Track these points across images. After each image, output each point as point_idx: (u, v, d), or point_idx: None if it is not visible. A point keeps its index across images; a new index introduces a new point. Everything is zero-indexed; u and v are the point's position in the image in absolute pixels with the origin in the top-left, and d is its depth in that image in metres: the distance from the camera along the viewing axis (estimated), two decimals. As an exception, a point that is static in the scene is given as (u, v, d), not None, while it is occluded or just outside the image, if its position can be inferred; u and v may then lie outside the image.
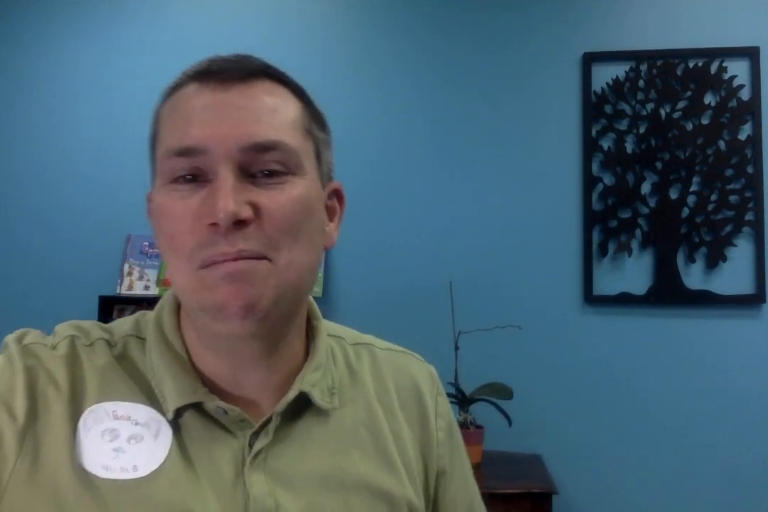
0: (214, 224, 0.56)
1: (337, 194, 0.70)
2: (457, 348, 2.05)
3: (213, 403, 0.62)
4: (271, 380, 0.65)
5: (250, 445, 0.62)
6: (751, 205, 2.24)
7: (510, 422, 1.96)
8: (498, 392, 1.98)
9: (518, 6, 2.39)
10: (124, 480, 0.58)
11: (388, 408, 0.71)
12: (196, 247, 0.58)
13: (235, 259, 0.57)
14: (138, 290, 2.33)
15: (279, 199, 0.59)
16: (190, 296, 0.60)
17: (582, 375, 2.26)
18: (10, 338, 0.64)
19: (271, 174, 0.59)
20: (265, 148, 0.58)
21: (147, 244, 2.38)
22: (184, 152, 0.58)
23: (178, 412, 0.61)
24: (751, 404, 2.20)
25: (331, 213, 0.68)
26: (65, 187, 2.47)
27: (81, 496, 0.57)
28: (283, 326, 0.64)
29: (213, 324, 0.60)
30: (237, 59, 0.62)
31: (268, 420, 0.63)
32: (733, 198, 2.25)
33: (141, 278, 2.35)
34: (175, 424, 0.61)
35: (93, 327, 0.67)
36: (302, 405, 0.65)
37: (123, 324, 0.68)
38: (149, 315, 0.68)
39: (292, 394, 0.64)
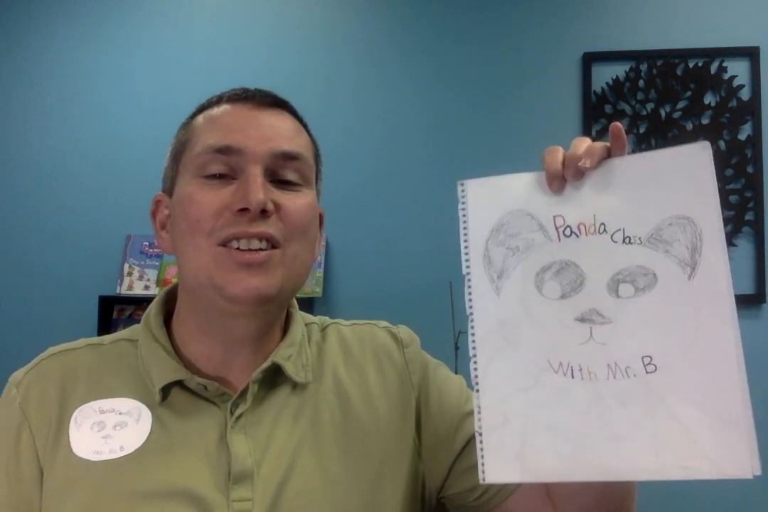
0: (244, 210, 0.66)
1: (320, 218, 0.80)
2: (457, 348, 2.05)
3: (193, 380, 0.70)
4: (255, 360, 0.73)
5: (232, 413, 0.70)
6: (751, 205, 2.25)
7: (510, 422, 1.96)
8: (498, 392, 1.98)
9: (518, 6, 2.39)
10: (113, 460, 0.67)
11: (357, 373, 0.78)
12: (218, 227, 0.67)
13: (254, 237, 0.67)
14: (138, 290, 2.32)
15: (295, 201, 0.71)
16: (204, 273, 0.68)
17: (582, 375, 2.26)
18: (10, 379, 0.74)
19: (289, 183, 0.71)
20: (291, 156, 0.71)
21: (147, 244, 2.38)
22: (223, 150, 0.69)
23: (166, 392, 0.70)
24: (751, 404, 2.20)
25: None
26: (64, 187, 2.46)
27: (78, 478, 0.67)
28: (277, 311, 0.74)
29: (220, 301, 0.68)
30: (264, 91, 0.75)
31: (246, 389, 0.71)
32: (733, 198, 2.26)
33: (141, 278, 2.35)
34: (165, 403, 0.70)
35: (80, 342, 0.77)
36: (279, 379, 0.73)
37: (117, 333, 0.79)
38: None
39: (265, 365, 0.72)
